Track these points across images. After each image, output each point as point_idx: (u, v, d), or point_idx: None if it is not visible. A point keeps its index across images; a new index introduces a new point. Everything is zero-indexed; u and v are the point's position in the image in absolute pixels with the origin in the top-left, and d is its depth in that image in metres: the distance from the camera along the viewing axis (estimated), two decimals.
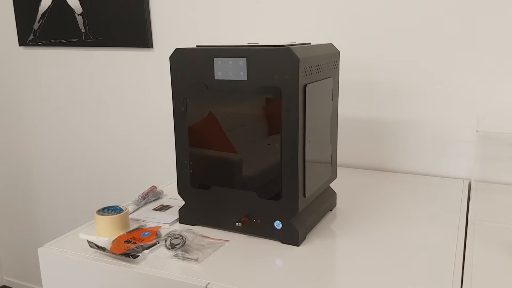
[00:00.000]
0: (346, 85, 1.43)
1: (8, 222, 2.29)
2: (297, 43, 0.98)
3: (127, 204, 1.13)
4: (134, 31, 1.70)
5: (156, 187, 1.20)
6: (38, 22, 1.88)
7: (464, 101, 1.31)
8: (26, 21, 1.91)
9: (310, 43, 1.03)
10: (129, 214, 1.09)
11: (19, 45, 1.95)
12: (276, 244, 0.94)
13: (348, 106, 1.44)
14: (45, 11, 1.85)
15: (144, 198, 1.15)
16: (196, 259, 0.88)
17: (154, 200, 1.18)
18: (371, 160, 1.45)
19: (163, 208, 1.13)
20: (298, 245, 0.93)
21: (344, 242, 0.96)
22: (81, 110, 1.93)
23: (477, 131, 1.30)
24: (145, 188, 1.89)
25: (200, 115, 0.97)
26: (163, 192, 1.22)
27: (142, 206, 1.14)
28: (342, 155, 1.48)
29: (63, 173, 2.05)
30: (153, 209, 1.12)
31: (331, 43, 1.07)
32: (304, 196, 0.93)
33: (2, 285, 2.38)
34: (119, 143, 1.88)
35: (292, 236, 0.93)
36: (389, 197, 1.19)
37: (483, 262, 0.86)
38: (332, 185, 1.29)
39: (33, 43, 1.92)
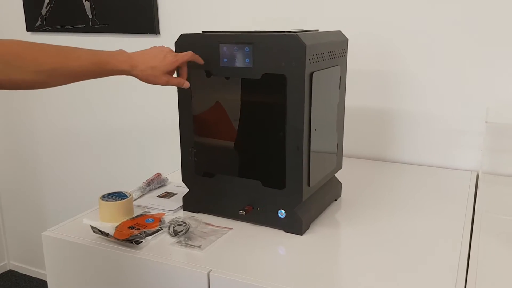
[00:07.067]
0: (354, 74, 1.41)
1: (14, 207, 2.31)
2: (304, 29, 0.97)
3: (131, 190, 1.12)
4: (141, 18, 1.69)
5: (160, 174, 1.20)
6: (46, 7, 1.88)
7: (473, 92, 1.28)
8: (33, 6, 1.90)
9: (318, 30, 1.01)
10: (134, 200, 1.09)
11: (27, 30, 1.95)
12: (280, 233, 0.94)
13: (356, 95, 1.43)
14: None
15: (149, 185, 1.15)
16: (199, 246, 0.88)
17: (159, 187, 1.18)
18: (377, 151, 1.44)
19: (167, 195, 1.13)
20: (301, 234, 0.93)
21: (348, 232, 0.95)
22: (86, 96, 1.92)
23: (486, 122, 1.28)
24: (150, 175, 1.89)
25: (205, 102, 0.96)
26: (167, 179, 1.22)
27: (146, 193, 1.14)
28: (348, 145, 1.47)
29: (69, 160, 2.06)
30: (157, 196, 1.12)
31: (339, 31, 1.05)
32: (309, 185, 0.93)
33: (8, 269, 2.40)
34: (124, 130, 1.88)
35: (296, 225, 0.93)
36: (395, 188, 1.18)
37: (489, 254, 0.85)
38: (337, 175, 1.28)
39: (41, 29, 1.91)
